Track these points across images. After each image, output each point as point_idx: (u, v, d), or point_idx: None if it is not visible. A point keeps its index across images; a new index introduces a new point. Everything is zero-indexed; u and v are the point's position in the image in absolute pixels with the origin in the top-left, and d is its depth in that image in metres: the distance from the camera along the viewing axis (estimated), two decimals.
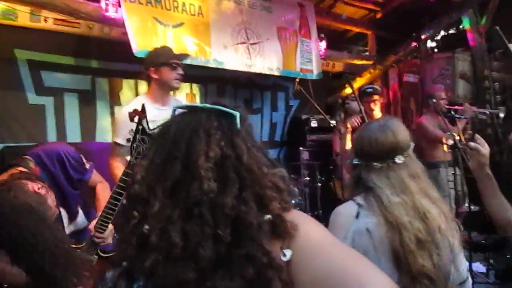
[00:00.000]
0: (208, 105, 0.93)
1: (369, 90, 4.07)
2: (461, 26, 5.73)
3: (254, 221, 0.80)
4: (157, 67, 2.73)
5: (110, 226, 2.10)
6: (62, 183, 2.13)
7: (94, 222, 2.11)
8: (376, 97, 4.02)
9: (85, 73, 3.69)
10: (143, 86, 4.13)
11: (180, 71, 2.78)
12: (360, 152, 1.55)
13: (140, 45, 3.25)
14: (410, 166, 1.50)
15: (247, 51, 4.12)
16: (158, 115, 2.62)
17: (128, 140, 2.09)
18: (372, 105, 3.99)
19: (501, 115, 4.66)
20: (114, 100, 3.91)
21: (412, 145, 1.55)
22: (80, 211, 2.28)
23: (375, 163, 1.49)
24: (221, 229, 0.79)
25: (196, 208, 0.81)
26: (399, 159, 1.48)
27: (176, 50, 3.56)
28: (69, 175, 2.15)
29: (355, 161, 1.56)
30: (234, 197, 0.82)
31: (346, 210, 1.51)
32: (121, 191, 2.02)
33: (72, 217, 2.22)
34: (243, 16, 4.13)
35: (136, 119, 2.03)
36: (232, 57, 3.99)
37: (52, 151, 2.14)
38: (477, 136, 1.66)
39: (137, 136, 2.01)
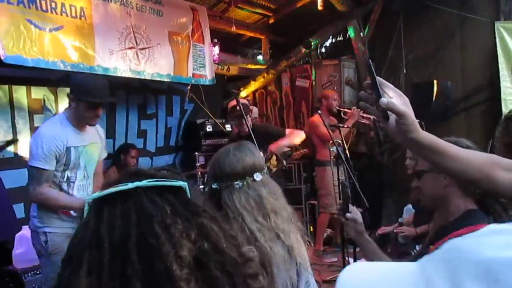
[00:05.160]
0: (140, 184, 0.65)
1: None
2: (347, 34, 6.09)
3: None
4: (76, 100, 2.51)
5: None
6: None
7: None
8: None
9: None
10: (19, 92, 3.78)
11: (99, 113, 2.57)
12: (220, 174, 1.54)
13: (9, 50, 2.95)
14: (269, 185, 1.55)
15: (135, 56, 3.96)
16: (80, 141, 2.56)
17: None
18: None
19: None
20: None
21: (266, 168, 1.60)
22: None
23: (236, 183, 1.50)
24: None
25: None
26: (257, 177, 1.53)
27: (55, 55, 3.33)
28: None
29: (215, 186, 1.54)
30: None
31: None
32: None
33: None
34: (132, 19, 3.95)
35: None
36: (119, 63, 3.80)
37: None
38: (351, 207, 1.66)
39: None
